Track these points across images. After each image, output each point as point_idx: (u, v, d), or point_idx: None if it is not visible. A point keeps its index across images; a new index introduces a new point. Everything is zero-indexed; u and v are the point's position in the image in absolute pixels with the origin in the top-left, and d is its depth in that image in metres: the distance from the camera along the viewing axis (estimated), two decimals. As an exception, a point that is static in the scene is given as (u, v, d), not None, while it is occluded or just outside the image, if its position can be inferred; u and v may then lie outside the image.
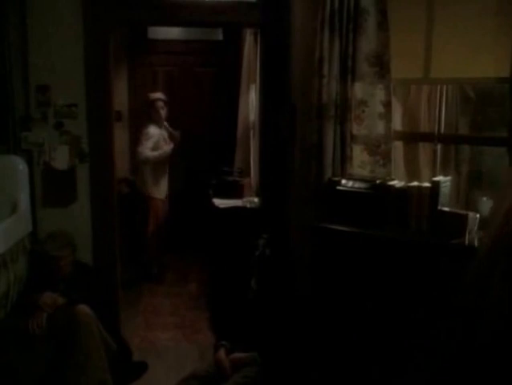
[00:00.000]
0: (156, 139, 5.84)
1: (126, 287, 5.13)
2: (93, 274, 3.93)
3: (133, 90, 6.59)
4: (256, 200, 4.78)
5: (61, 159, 4.00)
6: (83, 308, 3.50)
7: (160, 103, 5.85)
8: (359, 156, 3.64)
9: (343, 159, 3.66)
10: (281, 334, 3.58)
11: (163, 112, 5.88)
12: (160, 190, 5.97)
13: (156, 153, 5.83)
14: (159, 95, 5.93)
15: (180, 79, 6.61)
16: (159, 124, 5.93)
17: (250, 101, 5.36)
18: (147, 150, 5.79)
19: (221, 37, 6.55)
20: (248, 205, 4.75)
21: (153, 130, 5.84)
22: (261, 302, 3.78)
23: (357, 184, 3.44)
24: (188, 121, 6.52)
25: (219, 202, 4.95)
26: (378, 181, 3.37)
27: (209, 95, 6.56)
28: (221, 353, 3.50)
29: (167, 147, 5.92)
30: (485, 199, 3.21)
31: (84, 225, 4.08)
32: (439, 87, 3.57)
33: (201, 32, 6.56)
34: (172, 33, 6.56)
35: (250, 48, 5.36)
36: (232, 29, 6.16)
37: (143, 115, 6.06)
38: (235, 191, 5.13)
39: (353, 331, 3.34)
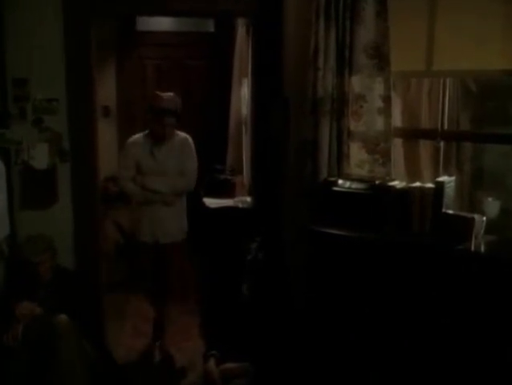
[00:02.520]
0: (142, 160, 4.13)
1: (112, 291, 4.99)
2: (74, 280, 3.80)
3: (122, 84, 6.41)
4: (248, 199, 4.66)
5: (40, 157, 3.87)
6: (63, 318, 3.37)
7: (168, 117, 4.09)
8: (356, 154, 3.53)
9: (340, 157, 3.55)
10: (274, 344, 3.52)
11: (170, 128, 4.11)
12: (145, 229, 4.20)
13: (130, 186, 4.16)
14: (167, 101, 4.09)
15: (170, 72, 6.44)
16: (156, 140, 4.14)
17: (243, 95, 5.25)
18: (123, 173, 4.14)
19: (212, 28, 6.43)
20: (240, 205, 4.62)
21: (137, 143, 4.15)
22: (253, 309, 3.72)
23: (355, 185, 3.34)
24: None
25: (210, 202, 4.83)
26: (377, 182, 3.27)
27: (200, 89, 6.40)
28: (211, 363, 3.48)
29: (160, 184, 4.11)
30: (490, 200, 3.10)
31: (66, 228, 3.96)
32: (442, 81, 3.44)
33: (192, 23, 6.41)
34: (162, 24, 6.42)
35: (242, 40, 5.25)
36: (224, 20, 6.01)
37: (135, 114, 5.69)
38: (227, 190, 5.05)
39: (351, 342, 3.23)
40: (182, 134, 4.25)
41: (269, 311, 3.70)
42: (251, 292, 3.81)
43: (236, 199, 4.82)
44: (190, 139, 4.23)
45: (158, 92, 4.22)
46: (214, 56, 6.29)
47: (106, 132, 6.05)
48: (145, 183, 4.14)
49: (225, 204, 4.74)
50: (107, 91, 6.20)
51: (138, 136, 4.25)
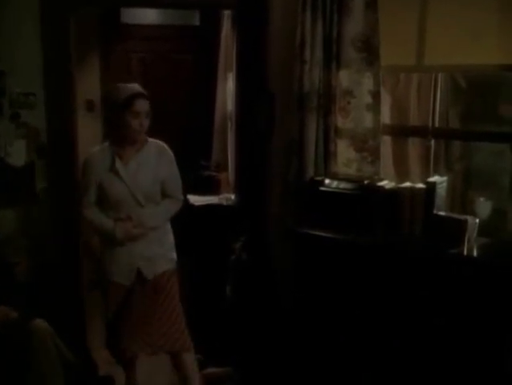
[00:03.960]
0: (106, 182, 3.08)
1: (93, 289, 4.60)
2: (52, 282, 3.76)
3: (106, 77, 6.20)
4: (233, 197, 4.54)
5: (18, 154, 3.83)
6: (39, 323, 3.25)
7: (142, 104, 3.05)
8: (344, 152, 3.45)
9: (327, 155, 3.47)
10: (259, 348, 3.49)
11: (143, 125, 3.08)
12: (120, 267, 3.17)
13: (97, 217, 3.15)
14: (138, 94, 3.06)
15: (155, 65, 6.27)
16: (123, 153, 3.11)
17: (228, 90, 5.16)
18: (84, 200, 3.15)
19: (197, 22, 6.26)
20: (224, 203, 4.52)
21: (97, 159, 3.11)
22: (237, 312, 3.68)
23: (342, 185, 3.26)
24: (162, 111, 6.00)
25: (194, 199, 4.73)
26: (366, 181, 3.19)
27: (185, 84, 6.22)
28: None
29: (150, 217, 3.14)
30: (482, 200, 3.03)
31: (44, 227, 3.90)
32: (433, 76, 3.38)
33: (177, 16, 6.24)
34: (147, 17, 6.23)
35: (228, 33, 5.20)
36: (209, 12, 5.87)
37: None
38: (211, 187, 4.95)
39: (340, 344, 3.16)
40: (154, 141, 3.21)
41: (253, 313, 3.63)
42: (235, 294, 3.76)
43: (220, 196, 4.74)
44: (168, 147, 3.24)
45: (120, 84, 3.11)
46: (200, 50, 6.15)
47: (90, 127, 5.87)
48: (123, 217, 3.08)
49: (209, 202, 4.64)
50: (91, 84, 6.03)
51: (97, 149, 3.14)
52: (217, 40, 5.65)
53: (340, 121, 3.44)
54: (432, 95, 3.39)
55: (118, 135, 3.08)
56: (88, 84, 5.96)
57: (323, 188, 3.28)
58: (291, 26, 3.46)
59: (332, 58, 3.40)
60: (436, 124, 3.39)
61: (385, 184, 3.16)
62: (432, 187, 2.95)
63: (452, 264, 2.82)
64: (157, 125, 5.94)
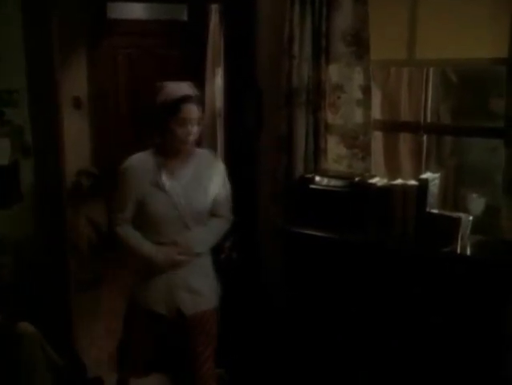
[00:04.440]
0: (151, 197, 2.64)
1: (84, 289, 4.88)
2: (38, 283, 3.67)
3: (93, 74, 6.19)
4: None
5: (1, 153, 3.71)
6: (25, 326, 3.20)
7: (190, 110, 2.57)
8: (334, 148, 3.41)
9: (317, 152, 3.42)
10: (250, 349, 3.45)
11: (190, 135, 2.60)
12: (159, 295, 2.74)
13: (132, 238, 2.72)
14: (185, 88, 2.62)
15: (143, 61, 6.24)
16: (173, 164, 2.68)
17: (216, 86, 5.04)
18: (117, 215, 2.72)
19: (185, 17, 6.21)
20: None
21: (140, 168, 2.65)
22: (227, 312, 3.37)
23: (333, 182, 3.20)
24: (149, 108, 6.05)
25: None
26: (357, 179, 3.12)
27: (173, 80, 6.10)
28: None
29: (198, 241, 2.72)
30: (475, 196, 3.00)
31: (30, 227, 3.80)
32: (425, 70, 3.33)
33: (165, 11, 6.20)
34: (134, 12, 6.21)
35: (216, 28, 5.08)
36: (196, 7, 5.80)
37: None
38: None
39: (332, 346, 3.12)
40: (203, 150, 2.82)
41: (243, 313, 3.58)
42: (224, 293, 3.59)
43: None
44: (219, 158, 2.91)
45: (168, 83, 2.65)
46: (188, 45, 6.07)
47: (77, 124, 5.91)
48: (166, 241, 2.65)
49: None
50: (77, 81, 6.00)
51: (139, 157, 2.67)
52: (205, 35, 5.55)
53: (330, 117, 3.40)
54: (423, 90, 3.34)
55: (163, 144, 2.63)
56: (75, 81, 5.94)
57: (313, 186, 3.23)
58: (280, 21, 3.41)
59: (321, 52, 3.35)
60: (428, 120, 3.35)
61: (377, 181, 3.10)
62: (424, 184, 2.90)
63: (445, 262, 2.78)
64: (143, 123, 6.03)
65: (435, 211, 2.91)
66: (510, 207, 2.85)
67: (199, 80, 5.65)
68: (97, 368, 3.88)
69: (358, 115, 3.32)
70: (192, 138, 2.59)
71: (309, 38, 3.34)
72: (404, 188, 2.97)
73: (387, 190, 3.01)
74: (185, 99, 2.55)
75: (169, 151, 2.63)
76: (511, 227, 2.87)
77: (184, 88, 2.60)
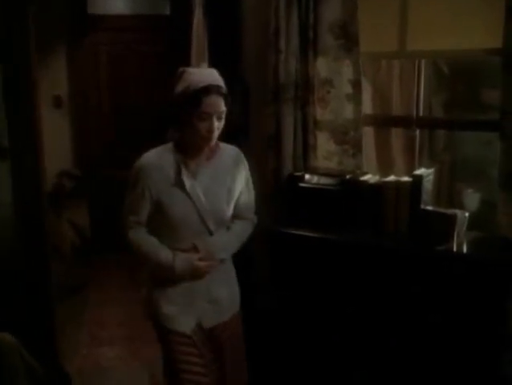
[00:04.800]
0: (166, 198, 2.37)
1: (69, 295, 4.80)
2: (19, 290, 3.56)
3: (74, 71, 6.07)
4: None
5: None
6: (4, 337, 3.06)
7: (213, 103, 2.26)
8: (324, 145, 3.36)
9: (306, 149, 3.37)
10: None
11: (213, 131, 2.30)
12: (181, 314, 2.47)
13: (146, 244, 2.44)
14: (208, 76, 2.30)
15: (125, 57, 6.16)
16: (190, 156, 2.40)
17: None
18: (129, 218, 2.45)
19: (168, 11, 6.12)
20: None
21: (158, 166, 2.37)
22: None
23: (323, 180, 3.14)
24: (133, 106, 6.09)
25: None
26: (348, 176, 3.07)
27: (157, 77, 6.09)
28: None
29: (219, 247, 2.46)
30: (470, 191, 3.06)
31: (8, 233, 3.64)
32: (417, 62, 3.27)
33: (147, 6, 6.12)
34: (115, 7, 6.12)
35: (200, 23, 4.89)
36: (180, 1, 5.65)
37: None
38: None
39: (322, 349, 3.06)
40: (227, 146, 2.53)
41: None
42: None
43: None
44: (242, 154, 2.57)
45: (190, 69, 2.34)
46: (171, 40, 5.98)
47: (58, 124, 5.80)
48: (185, 247, 2.38)
49: None
50: (57, 79, 5.88)
51: (156, 153, 2.39)
52: (189, 30, 5.48)
53: (319, 112, 3.34)
54: (415, 83, 3.29)
55: (182, 139, 2.37)
56: (55, 79, 5.83)
57: (302, 184, 3.16)
58: (265, 13, 3.34)
59: (309, 45, 3.28)
60: (421, 113, 3.31)
61: (368, 178, 3.05)
62: (418, 180, 2.84)
63: (441, 261, 2.72)
64: (127, 121, 5.93)
65: (429, 208, 2.87)
66: (507, 202, 2.79)
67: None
68: (81, 378, 3.82)
69: (348, 111, 3.27)
70: (215, 134, 2.30)
71: (296, 31, 3.27)
72: (397, 184, 2.92)
73: (379, 187, 2.96)
74: (209, 89, 2.21)
75: (189, 147, 2.35)
76: (508, 223, 2.80)
77: (207, 76, 2.26)
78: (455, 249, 2.73)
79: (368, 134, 3.51)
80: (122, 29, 6.06)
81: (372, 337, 2.89)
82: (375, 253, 2.86)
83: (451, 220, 2.75)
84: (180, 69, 2.32)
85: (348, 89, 3.25)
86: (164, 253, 2.37)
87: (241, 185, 2.49)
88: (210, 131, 2.27)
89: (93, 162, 6.01)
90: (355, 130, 3.26)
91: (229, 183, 2.43)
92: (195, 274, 2.38)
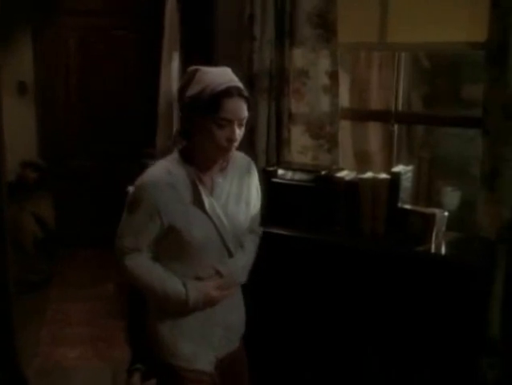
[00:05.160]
0: (182, 220, 2.04)
1: (30, 291, 4.69)
2: None
3: (40, 57, 5.91)
4: None
5: None
6: None
7: (235, 107, 1.96)
8: (299, 139, 3.32)
9: (280, 143, 3.34)
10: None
11: (233, 140, 2.01)
12: (196, 349, 2.16)
13: (150, 274, 2.09)
14: (227, 76, 2.03)
15: (95, 43, 6.02)
16: (204, 168, 2.10)
17: (173, 71, 4.85)
18: (128, 244, 2.09)
19: None
20: None
21: (168, 185, 2.02)
22: None
23: (297, 176, 3.05)
24: (103, 95, 5.97)
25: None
26: (323, 172, 2.99)
27: (129, 64, 6.04)
28: (135, 379, 3.25)
29: (237, 266, 2.20)
30: (450, 190, 3.04)
31: None
32: (397, 54, 3.24)
33: None
34: None
35: (173, 8, 4.82)
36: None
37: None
38: None
39: (298, 350, 2.99)
40: (239, 154, 2.23)
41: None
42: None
43: None
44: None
45: (204, 68, 2.01)
46: (143, 26, 5.89)
47: (22, 112, 5.65)
48: (203, 275, 2.08)
49: None
50: (22, 64, 5.71)
51: (166, 168, 2.03)
52: (162, 16, 5.40)
53: (294, 105, 3.30)
54: (395, 76, 3.26)
55: (192, 150, 2.06)
56: (20, 64, 5.65)
57: (275, 180, 3.07)
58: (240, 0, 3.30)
59: (285, 34, 3.23)
60: (400, 108, 3.29)
61: (345, 174, 3.00)
62: (396, 178, 2.79)
63: (419, 262, 2.67)
64: (96, 110, 5.80)
65: (408, 207, 2.82)
66: (487, 201, 2.75)
67: (156, 64, 5.51)
68: (41, 379, 3.74)
69: (324, 103, 3.23)
70: (235, 144, 2.02)
71: (271, 19, 3.22)
72: (375, 182, 2.87)
73: (355, 184, 2.91)
74: (230, 91, 1.94)
75: (202, 159, 2.05)
76: (488, 223, 2.77)
77: (226, 76, 1.99)
78: (433, 250, 2.69)
79: (345, 128, 3.49)
80: (92, 13, 5.92)
81: (348, 339, 2.84)
82: (351, 253, 2.81)
83: (430, 220, 2.70)
84: (192, 68, 2.03)
85: (325, 81, 3.21)
86: (172, 283, 2.03)
87: (255, 197, 2.25)
88: (231, 140, 1.97)
89: (59, 152, 5.88)
90: (332, 124, 3.23)
91: (246, 196, 2.18)
92: (210, 304, 2.10)
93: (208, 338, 2.14)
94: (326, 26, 3.14)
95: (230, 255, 2.12)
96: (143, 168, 4.69)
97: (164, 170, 2.02)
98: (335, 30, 3.13)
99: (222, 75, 1.99)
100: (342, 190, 2.92)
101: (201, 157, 2.05)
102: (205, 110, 1.94)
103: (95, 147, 6.01)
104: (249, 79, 3.24)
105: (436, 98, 3.66)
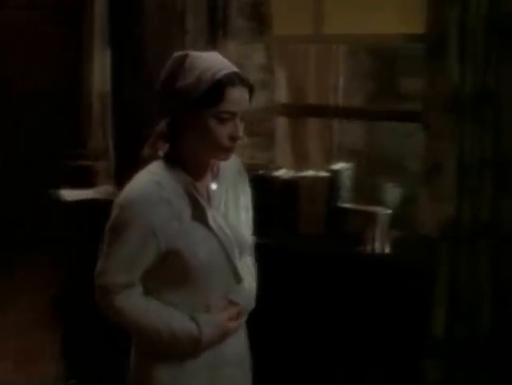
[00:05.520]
0: (182, 241, 1.66)
1: None
2: None
3: None
4: (113, 189, 4.09)
5: None
6: None
7: (239, 98, 1.64)
8: None
9: None
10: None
11: (237, 138, 1.64)
12: None
13: (147, 313, 1.67)
14: (224, 62, 1.70)
15: (23, 39, 5.87)
16: (198, 176, 1.72)
17: (105, 67, 4.68)
18: (115, 278, 1.65)
19: None
20: (102, 197, 4.06)
21: (163, 200, 1.63)
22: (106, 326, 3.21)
23: None
24: (30, 93, 5.79)
25: (67, 193, 4.25)
26: (260, 171, 2.98)
27: (58, 60, 5.89)
28: None
29: (243, 292, 1.83)
30: (390, 186, 2.94)
31: None
32: (334, 47, 3.32)
33: None
34: None
35: (102, 2, 4.67)
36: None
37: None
38: (88, 178, 4.44)
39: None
40: None
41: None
42: None
43: (98, 189, 4.23)
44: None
45: (195, 53, 1.69)
46: (73, 20, 5.51)
47: None
48: (211, 303, 1.73)
49: (84, 196, 4.14)
50: None
51: (153, 180, 1.66)
52: (91, 11, 5.26)
53: None
54: (333, 70, 3.30)
55: (187, 152, 1.69)
56: None
57: None
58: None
59: (218, 27, 3.15)
60: (339, 103, 3.32)
61: (282, 173, 2.99)
62: (336, 175, 2.82)
63: (360, 263, 2.65)
64: (23, 108, 5.59)
65: (348, 205, 2.83)
66: (430, 197, 2.70)
67: (87, 59, 5.36)
68: None
69: (259, 99, 3.14)
70: (236, 144, 1.68)
71: (204, 11, 3.15)
72: (313, 180, 2.85)
73: (294, 183, 2.89)
74: (233, 78, 1.62)
75: (196, 164, 1.70)
76: (430, 220, 2.70)
77: (224, 61, 1.69)
78: (375, 250, 2.67)
79: (282, 125, 3.47)
80: (19, 6, 5.79)
81: (287, 340, 2.80)
82: (289, 254, 2.77)
83: (371, 219, 2.69)
84: (179, 53, 1.70)
85: (259, 75, 3.17)
86: (179, 321, 1.66)
87: (248, 202, 1.91)
88: (234, 137, 1.63)
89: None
90: (268, 120, 3.20)
91: (244, 202, 1.85)
92: (224, 339, 1.76)
93: (218, 379, 1.77)
94: (260, 18, 3.12)
95: (237, 275, 1.76)
96: (72, 168, 4.53)
97: (152, 182, 1.64)
98: (269, 22, 3.10)
99: (218, 60, 1.68)
100: (279, 189, 2.89)
101: (193, 162, 1.69)
102: (203, 102, 1.60)
103: (13, 147, 5.84)
104: (182, 75, 3.14)
105: (377, 92, 3.67)
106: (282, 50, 3.46)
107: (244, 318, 1.80)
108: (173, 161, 1.68)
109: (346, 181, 2.85)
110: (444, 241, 2.58)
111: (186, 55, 1.65)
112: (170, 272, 1.67)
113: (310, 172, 2.91)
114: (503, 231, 2.56)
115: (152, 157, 1.72)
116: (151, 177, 1.65)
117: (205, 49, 3.02)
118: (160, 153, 1.71)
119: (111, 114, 4.17)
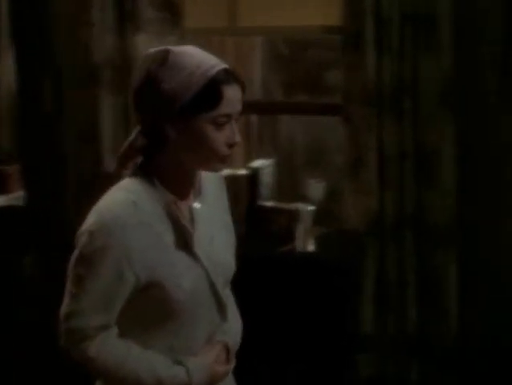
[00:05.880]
0: (165, 271, 1.40)
1: None
2: None
3: None
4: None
5: None
6: None
7: (236, 97, 1.39)
8: None
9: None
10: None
11: (235, 144, 1.42)
12: None
13: (128, 361, 1.40)
14: (209, 55, 1.42)
15: None
16: (180, 193, 1.45)
17: (8, 66, 4.48)
18: (92, 325, 1.37)
19: None
20: (9, 203, 3.88)
21: (141, 224, 1.36)
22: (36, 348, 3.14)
23: None
24: None
25: None
26: None
27: None
28: None
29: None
30: (313, 182, 2.90)
31: None
32: (251, 39, 3.27)
33: None
34: None
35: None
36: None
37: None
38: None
39: None
40: None
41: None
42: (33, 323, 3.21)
43: (11, 195, 4.02)
44: None
45: (179, 48, 1.42)
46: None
47: None
48: (194, 344, 1.49)
49: None
50: None
51: (128, 201, 1.36)
52: None
53: None
54: (250, 63, 3.24)
55: (167, 166, 1.43)
56: None
57: None
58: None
59: (127, 18, 3.00)
60: (258, 96, 3.27)
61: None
62: (255, 173, 2.79)
63: (284, 262, 2.63)
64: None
65: (269, 204, 2.78)
66: (354, 192, 2.68)
67: None
68: None
69: None
70: (232, 150, 1.47)
71: (111, 1, 2.99)
72: (232, 178, 2.71)
73: None
74: (227, 76, 1.39)
75: (178, 179, 1.45)
76: (355, 213, 2.69)
77: (211, 56, 1.44)
78: (300, 248, 2.64)
79: None
80: None
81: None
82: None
83: (293, 216, 2.66)
84: (156, 50, 1.43)
85: None
86: (163, 367, 1.44)
87: (230, 220, 1.67)
88: (232, 143, 1.41)
89: None
90: None
91: (227, 219, 1.62)
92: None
93: None
94: (171, 9, 2.97)
95: (222, 309, 1.53)
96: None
97: (128, 202, 1.38)
98: (181, 12, 2.97)
99: (205, 55, 1.44)
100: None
101: (175, 177, 1.45)
102: (196, 106, 1.37)
103: None
104: (90, 71, 3.01)
105: (297, 85, 3.62)
106: (195, 43, 3.33)
107: (234, 361, 1.57)
108: (150, 176, 1.42)
109: (267, 179, 2.79)
110: (370, 235, 2.58)
111: (167, 52, 1.39)
112: (148, 308, 1.44)
113: (228, 171, 2.73)
114: (427, 222, 2.57)
115: (120, 175, 1.49)
116: (126, 196, 1.39)
117: (113, 43, 2.97)
118: (129, 170, 1.48)
119: (18, 112, 3.86)
